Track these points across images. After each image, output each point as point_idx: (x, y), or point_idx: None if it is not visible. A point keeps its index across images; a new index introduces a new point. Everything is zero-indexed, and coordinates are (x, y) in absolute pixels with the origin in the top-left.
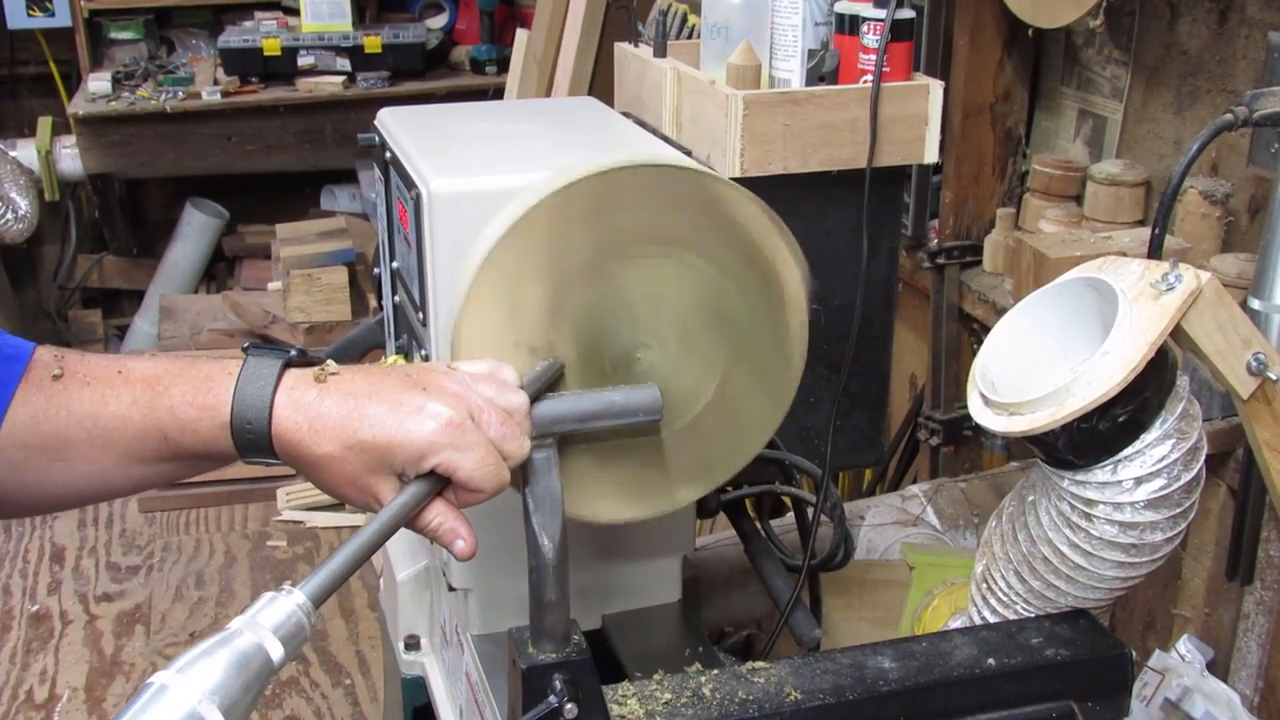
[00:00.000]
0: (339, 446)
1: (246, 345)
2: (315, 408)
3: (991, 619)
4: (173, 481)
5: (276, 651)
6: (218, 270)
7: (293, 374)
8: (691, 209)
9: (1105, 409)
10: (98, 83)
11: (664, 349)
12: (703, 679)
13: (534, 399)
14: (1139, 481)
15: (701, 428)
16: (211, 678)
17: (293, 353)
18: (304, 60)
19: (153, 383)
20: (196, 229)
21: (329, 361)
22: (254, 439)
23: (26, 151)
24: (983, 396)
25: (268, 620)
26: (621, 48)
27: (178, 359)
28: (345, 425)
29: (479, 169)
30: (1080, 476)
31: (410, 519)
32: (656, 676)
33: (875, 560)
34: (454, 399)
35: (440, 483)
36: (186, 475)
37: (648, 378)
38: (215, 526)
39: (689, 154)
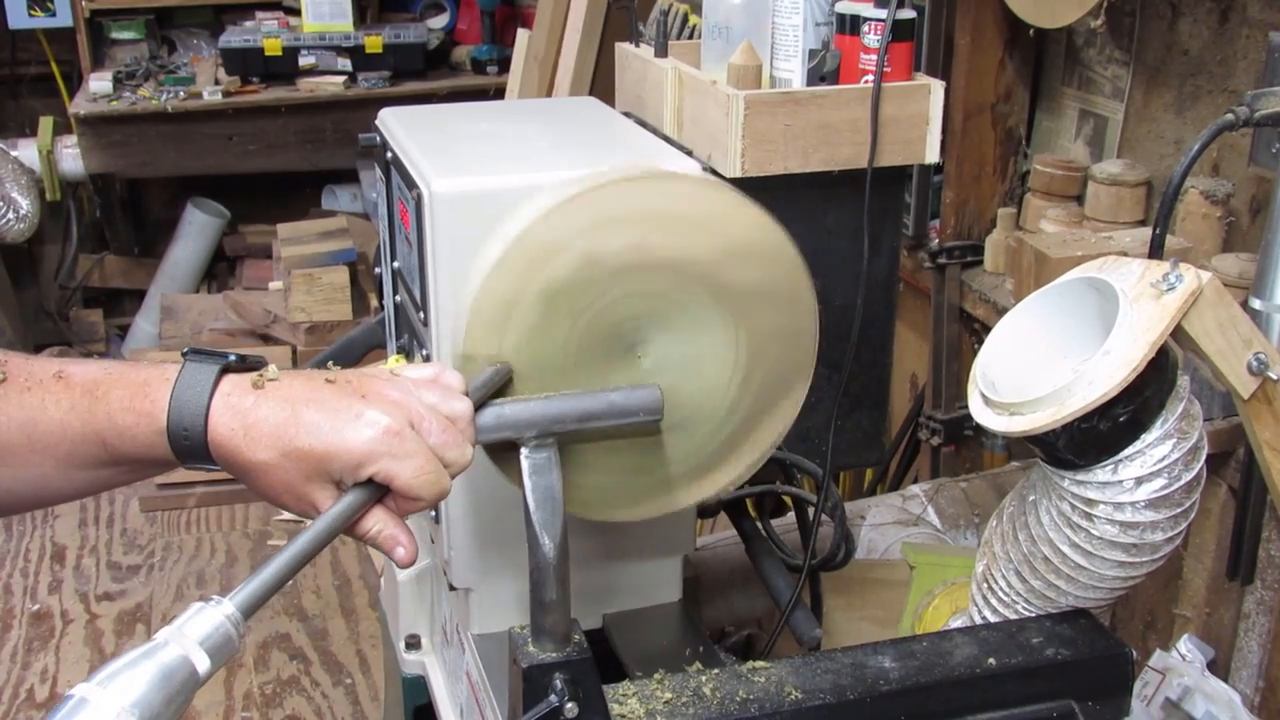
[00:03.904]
0: (275, 454)
1: (186, 351)
2: (251, 414)
3: (992, 618)
4: (118, 486)
5: (203, 664)
6: (219, 270)
7: (230, 380)
8: (697, 218)
9: (1106, 409)
10: (99, 83)
11: (665, 351)
12: (703, 678)
13: (480, 405)
14: (1140, 481)
15: (706, 431)
16: (133, 691)
17: (232, 358)
18: (305, 60)
19: (91, 388)
20: (198, 229)
21: (270, 366)
22: (191, 445)
23: (28, 151)
24: (983, 396)
25: (194, 632)
26: (622, 48)
27: (119, 364)
28: (281, 432)
29: (480, 169)
30: (1081, 476)
31: (349, 527)
32: (657, 676)
33: (876, 560)
34: (393, 406)
35: (378, 491)
36: (131, 480)
37: (650, 379)
38: (216, 526)
39: (689, 154)
